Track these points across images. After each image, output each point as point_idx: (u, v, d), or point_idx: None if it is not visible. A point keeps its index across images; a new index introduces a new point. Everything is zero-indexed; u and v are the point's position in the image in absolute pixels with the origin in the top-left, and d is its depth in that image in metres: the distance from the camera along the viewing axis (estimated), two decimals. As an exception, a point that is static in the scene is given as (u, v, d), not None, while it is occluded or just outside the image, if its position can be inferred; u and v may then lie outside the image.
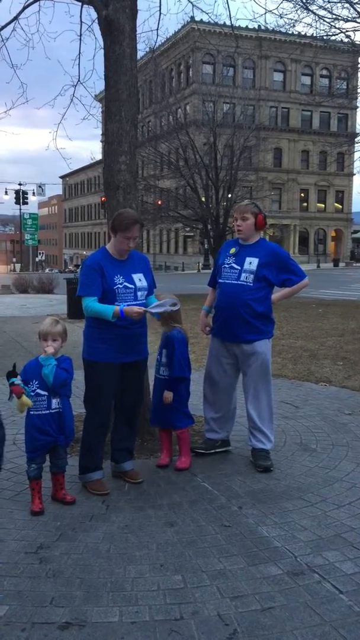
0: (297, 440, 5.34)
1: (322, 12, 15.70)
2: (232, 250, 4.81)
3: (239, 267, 4.70)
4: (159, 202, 31.25)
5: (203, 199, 28.32)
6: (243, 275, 4.67)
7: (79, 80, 6.98)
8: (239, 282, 4.67)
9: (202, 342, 8.73)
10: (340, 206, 65.40)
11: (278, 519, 3.77)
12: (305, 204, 63.24)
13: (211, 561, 3.25)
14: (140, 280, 4.23)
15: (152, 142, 35.01)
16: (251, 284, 4.64)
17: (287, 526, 3.67)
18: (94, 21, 6.26)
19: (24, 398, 3.67)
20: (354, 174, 50.21)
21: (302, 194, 62.79)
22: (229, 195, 27.79)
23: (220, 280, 4.82)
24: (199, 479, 4.47)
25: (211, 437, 5.02)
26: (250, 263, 4.67)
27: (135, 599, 2.89)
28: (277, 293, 4.87)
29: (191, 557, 3.30)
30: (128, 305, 4.05)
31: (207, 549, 3.38)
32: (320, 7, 15.70)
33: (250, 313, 4.64)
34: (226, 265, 4.78)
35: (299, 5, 13.75)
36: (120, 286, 4.10)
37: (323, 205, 64.62)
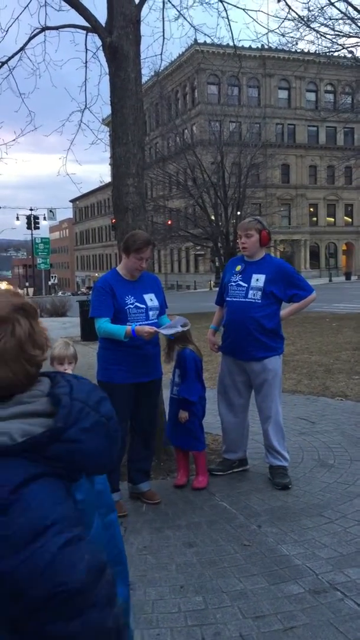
0: (314, 457, 5.30)
1: (324, 29, 15.86)
2: (238, 268, 4.82)
3: (245, 285, 4.70)
4: (169, 222, 31.46)
5: (212, 218, 28.49)
6: (251, 292, 4.67)
7: (85, 106, 7.10)
8: (247, 300, 4.67)
9: (216, 360, 8.72)
10: (350, 219, 65.33)
11: (298, 536, 3.74)
12: (314, 219, 63.26)
13: (231, 581, 3.22)
14: (151, 300, 4.26)
15: (160, 163, 35.38)
16: (259, 301, 4.64)
17: (307, 544, 3.63)
18: (98, 48, 6.38)
19: None
20: (363, 187, 50.22)
21: (312, 209, 62.84)
22: (238, 213, 27.93)
23: (228, 299, 4.82)
24: (217, 498, 4.45)
25: (228, 458, 5.00)
26: (257, 280, 4.67)
27: (156, 621, 2.87)
28: (286, 309, 4.87)
29: (211, 577, 3.27)
30: (140, 325, 4.07)
31: (227, 569, 3.36)
32: (323, 24, 15.87)
33: (260, 330, 4.63)
34: (233, 283, 4.78)
35: (300, 23, 13.91)
36: (132, 306, 4.13)
37: (333, 219, 64.59)
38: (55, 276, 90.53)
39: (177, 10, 7.39)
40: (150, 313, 4.23)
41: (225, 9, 7.54)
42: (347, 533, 3.75)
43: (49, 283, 77.21)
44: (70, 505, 1.10)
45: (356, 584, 3.13)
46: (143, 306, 4.19)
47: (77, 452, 1.13)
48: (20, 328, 1.17)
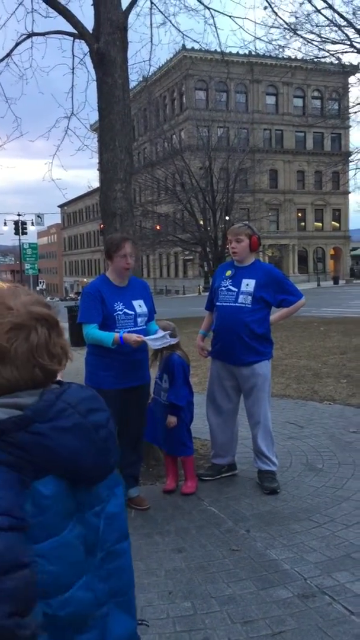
0: (303, 461, 5.31)
1: (311, 36, 15.99)
2: (228, 273, 4.84)
3: (236, 289, 4.72)
4: (158, 227, 31.51)
5: (201, 223, 28.57)
6: (241, 297, 4.69)
7: (72, 112, 7.11)
8: (237, 304, 4.68)
9: (205, 365, 8.73)
10: (338, 224, 65.75)
11: (286, 541, 3.74)
12: (302, 224, 63.59)
13: (220, 586, 3.22)
14: (140, 306, 4.26)
15: (148, 168, 35.44)
16: (249, 306, 4.66)
17: (295, 548, 3.64)
18: (86, 54, 6.39)
19: None
20: (350, 192, 50.53)
21: (299, 214, 63.16)
22: (227, 218, 28.05)
23: (218, 303, 4.84)
24: (205, 503, 4.45)
25: (217, 463, 5.00)
26: (248, 285, 4.69)
27: (144, 627, 2.85)
28: (275, 314, 4.89)
29: (200, 583, 3.27)
30: (128, 331, 4.07)
31: (215, 574, 3.35)
32: (309, 31, 16.00)
33: (250, 335, 4.65)
34: (223, 288, 4.80)
35: (287, 30, 14.02)
36: (120, 312, 4.13)
37: (320, 224, 64.97)
38: (43, 282, 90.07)
39: (165, 16, 7.42)
40: (139, 319, 4.23)
41: (212, 15, 7.61)
42: (336, 537, 3.76)
43: (37, 288, 76.88)
44: (10, 496, 1.09)
45: (344, 588, 3.14)
46: (132, 312, 4.19)
47: (43, 447, 1.14)
48: (35, 336, 1.21)
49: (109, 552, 1.30)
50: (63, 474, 1.17)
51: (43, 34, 6.38)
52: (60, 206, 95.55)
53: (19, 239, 59.95)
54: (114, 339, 3.98)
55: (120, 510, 1.35)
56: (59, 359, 1.26)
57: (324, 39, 16.34)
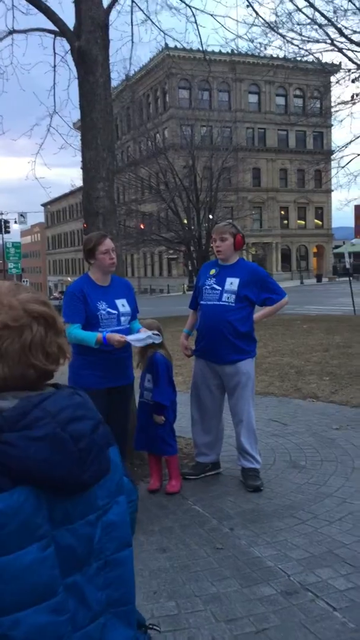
0: (286, 458, 5.34)
1: (292, 35, 16.03)
2: (212, 272, 4.85)
3: (220, 288, 4.73)
4: (142, 226, 31.46)
5: (185, 221, 28.57)
6: (225, 295, 4.70)
7: (54, 110, 7.07)
8: (221, 303, 4.70)
9: (189, 364, 8.75)
10: (321, 222, 66.08)
11: (270, 538, 3.76)
12: (285, 222, 63.82)
13: (204, 585, 3.23)
14: (123, 305, 4.25)
15: (132, 167, 35.39)
16: (233, 304, 4.67)
17: (279, 545, 3.66)
18: (67, 52, 6.35)
19: None
20: (332, 191, 50.82)
21: (283, 212, 63.38)
22: (210, 217, 28.08)
23: (202, 302, 4.84)
24: (190, 502, 4.45)
25: (201, 461, 5.01)
26: (231, 283, 4.71)
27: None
28: (258, 312, 4.91)
29: (184, 582, 3.28)
30: (112, 331, 4.06)
31: (200, 573, 3.36)
32: (290, 29, 16.05)
33: (234, 333, 4.66)
34: (207, 287, 4.81)
35: (268, 29, 14.04)
36: (104, 312, 4.12)
37: (303, 222, 65.26)
38: (27, 281, 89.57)
39: (146, 15, 7.40)
40: (122, 319, 4.22)
41: (193, 14, 7.59)
42: (318, 533, 3.79)
43: (21, 288, 76.16)
44: None
45: (327, 584, 3.16)
46: (115, 312, 4.18)
47: (11, 457, 1.10)
48: (30, 334, 1.19)
49: (108, 561, 1.26)
50: (39, 485, 1.12)
51: (24, 31, 6.34)
52: (44, 205, 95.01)
53: (2, 238, 59.54)
54: (97, 339, 3.97)
55: (122, 519, 1.30)
56: (55, 358, 1.24)
57: (305, 38, 16.41)
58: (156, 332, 4.34)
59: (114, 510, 1.28)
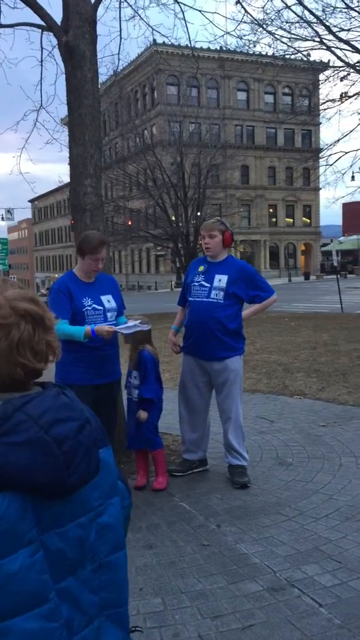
0: (273, 455, 5.35)
1: (280, 32, 16.03)
2: (201, 268, 4.84)
3: (208, 285, 4.73)
4: (130, 222, 31.39)
5: (173, 218, 28.53)
6: (213, 292, 4.70)
7: (41, 105, 7.02)
8: (210, 300, 4.69)
9: (176, 360, 8.75)
10: (309, 220, 66.29)
11: (256, 535, 3.77)
12: (274, 219, 63.94)
13: (191, 581, 3.23)
14: (109, 301, 4.24)
15: (120, 163, 35.26)
16: (221, 301, 4.67)
17: (265, 542, 3.67)
18: (54, 47, 6.32)
19: None
20: (320, 189, 50.95)
21: (271, 210, 63.49)
22: (198, 214, 28.06)
23: (190, 299, 4.84)
24: (176, 498, 4.45)
25: (188, 458, 5.01)
26: (220, 280, 4.70)
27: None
28: (247, 310, 4.91)
29: (170, 578, 3.28)
30: (99, 325, 4.05)
31: (186, 570, 3.36)
32: (279, 27, 16.05)
33: (222, 330, 4.66)
34: (195, 283, 4.80)
35: (257, 26, 14.04)
36: (89, 308, 4.11)
37: (291, 220, 65.43)
38: (14, 277, 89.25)
39: (134, 10, 7.37)
40: (108, 314, 4.21)
41: (182, 9, 7.57)
42: (305, 530, 3.80)
43: (8, 284, 75.83)
44: None
45: (313, 581, 3.17)
46: (100, 307, 4.17)
47: None
48: (17, 332, 1.17)
49: (102, 563, 1.23)
50: (24, 490, 1.10)
51: (11, 26, 6.29)
52: (31, 201, 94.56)
53: (-11, 234, 59.30)
54: (86, 332, 3.95)
55: (116, 521, 1.28)
56: (43, 357, 1.22)
57: (293, 36, 16.43)
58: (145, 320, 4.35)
59: (108, 512, 1.26)
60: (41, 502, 1.12)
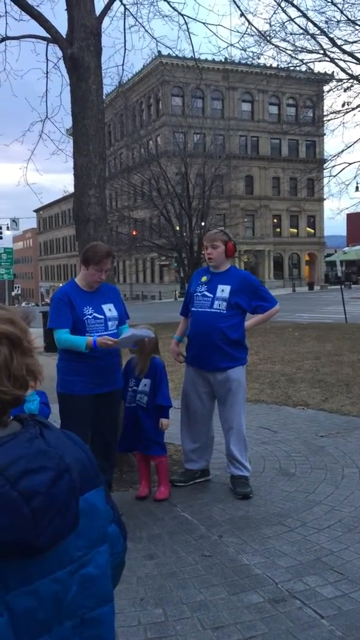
0: (275, 465, 5.34)
1: (284, 44, 16.13)
2: (204, 279, 4.86)
3: (211, 295, 4.74)
4: (135, 232, 31.48)
5: (177, 228, 28.60)
6: (216, 302, 4.71)
7: (47, 117, 7.08)
8: (212, 310, 4.70)
9: (180, 370, 8.75)
10: (313, 231, 66.36)
11: (258, 546, 3.75)
12: (278, 230, 64.04)
13: (192, 592, 3.22)
14: (110, 310, 4.25)
15: (124, 173, 35.42)
16: (224, 311, 4.68)
17: (267, 553, 3.65)
18: (59, 59, 6.37)
19: None
20: (324, 199, 51.05)
21: (275, 220, 63.61)
22: (202, 224, 28.10)
23: (193, 309, 4.85)
24: (178, 509, 4.44)
25: (190, 468, 5.00)
26: (223, 290, 4.72)
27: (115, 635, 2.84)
28: (250, 320, 4.92)
29: (171, 589, 3.26)
30: (100, 335, 4.06)
31: (187, 580, 3.35)
32: (283, 39, 16.16)
33: (225, 340, 4.67)
34: (198, 294, 4.82)
35: (260, 38, 14.13)
36: (90, 317, 4.12)
37: (296, 230, 65.52)
38: (19, 287, 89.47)
39: (139, 23, 7.44)
40: (109, 323, 4.22)
41: (185, 22, 7.63)
42: (307, 541, 3.79)
43: (12, 294, 76.21)
44: None
45: (315, 592, 3.16)
46: (101, 316, 4.18)
47: None
48: None
49: (85, 619, 1.10)
50: None
51: (17, 38, 6.35)
52: (36, 211, 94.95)
53: (-6, 244, 59.55)
54: (87, 343, 3.97)
55: (103, 571, 1.14)
56: (23, 383, 1.10)
57: (297, 48, 16.52)
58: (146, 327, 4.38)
59: (94, 562, 1.12)
60: (5, 561, 0.99)
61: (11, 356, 1.09)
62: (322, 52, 16.61)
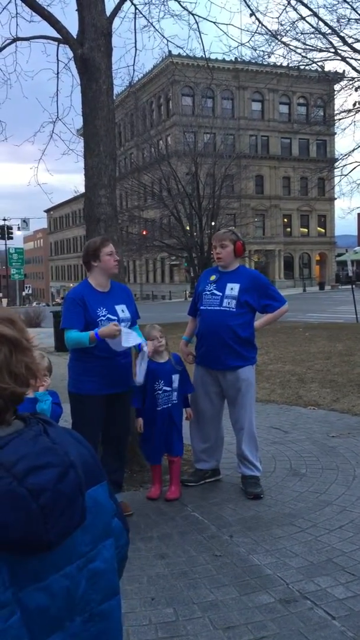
0: (286, 466, 5.33)
1: (295, 43, 16.08)
2: (213, 278, 4.85)
3: (220, 293, 4.73)
4: (145, 232, 31.53)
5: (187, 228, 28.62)
6: (225, 301, 4.70)
7: (57, 117, 7.10)
8: (222, 308, 4.69)
9: (189, 370, 8.76)
10: (323, 230, 66.12)
11: (269, 546, 3.75)
12: (288, 229, 63.85)
13: (203, 592, 3.22)
14: (123, 311, 4.26)
15: (135, 173, 35.48)
16: (234, 310, 4.67)
17: (278, 553, 3.64)
18: (70, 59, 6.39)
19: None
20: (335, 199, 50.86)
21: (285, 220, 63.43)
22: (213, 223, 28.10)
23: (202, 307, 4.84)
24: (189, 508, 4.44)
25: (201, 468, 4.99)
26: (232, 289, 4.71)
27: (126, 634, 2.84)
28: (259, 320, 4.91)
29: (182, 589, 3.27)
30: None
31: (198, 580, 3.35)
32: (294, 38, 16.11)
33: (234, 339, 4.66)
34: (207, 292, 4.81)
35: (271, 37, 14.10)
36: (104, 318, 4.12)
37: (306, 230, 65.31)
38: (29, 286, 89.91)
39: (149, 22, 7.44)
40: (122, 324, 4.21)
41: (196, 21, 7.63)
42: (318, 542, 3.77)
43: (23, 294, 76.55)
44: None
45: (326, 593, 3.15)
46: (115, 318, 4.18)
47: None
48: None
49: (94, 613, 1.11)
50: None
51: (27, 39, 6.37)
52: (47, 211, 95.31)
53: (5, 244, 59.79)
54: (90, 337, 3.96)
55: (110, 565, 1.16)
56: (24, 380, 1.12)
57: (307, 47, 16.47)
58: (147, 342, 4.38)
59: (101, 557, 1.14)
60: (15, 558, 1.00)
61: (10, 355, 1.11)
62: (333, 50, 16.55)
